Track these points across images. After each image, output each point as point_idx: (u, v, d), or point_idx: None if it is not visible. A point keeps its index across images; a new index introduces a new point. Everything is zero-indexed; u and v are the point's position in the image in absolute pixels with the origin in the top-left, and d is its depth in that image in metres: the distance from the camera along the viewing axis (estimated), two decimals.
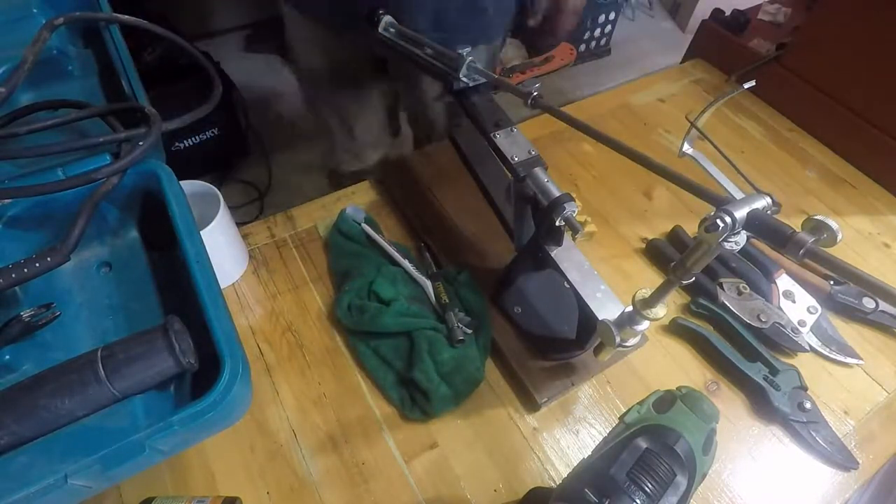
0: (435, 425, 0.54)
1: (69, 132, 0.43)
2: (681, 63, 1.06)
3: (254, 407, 0.54)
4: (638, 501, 0.31)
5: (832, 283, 0.66)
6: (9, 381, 0.35)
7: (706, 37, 1.04)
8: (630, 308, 0.41)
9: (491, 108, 0.56)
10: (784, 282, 0.65)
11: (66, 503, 0.31)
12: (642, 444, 0.33)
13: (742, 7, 1.03)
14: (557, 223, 0.47)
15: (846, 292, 0.65)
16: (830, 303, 0.65)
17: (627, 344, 0.44)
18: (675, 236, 0.70)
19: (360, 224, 0.66)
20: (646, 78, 0.99)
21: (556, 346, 0.58)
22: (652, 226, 0.73)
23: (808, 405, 0.56)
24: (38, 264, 0.34)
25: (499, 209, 0.63)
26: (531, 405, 0.56)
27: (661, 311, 0.40)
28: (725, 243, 0.32)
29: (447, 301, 0.59)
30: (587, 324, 0.49)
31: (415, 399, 0.54)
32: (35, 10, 0.50)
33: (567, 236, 0.51)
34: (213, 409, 0.31)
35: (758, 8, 1.05)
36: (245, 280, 0.64)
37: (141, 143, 0.38)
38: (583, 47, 2.30)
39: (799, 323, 0.62)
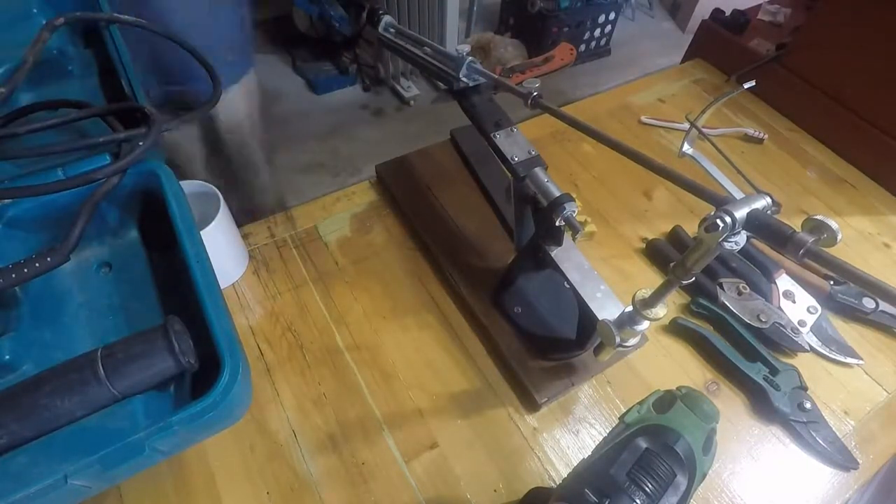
0: (435, 425, 0.54)
1: (69, 132, 0.43)
2: (681, 63, 1.06)
3: (254, 407, 0.54)
4: (638, 501, 0.31)
5: (832, 283, 0.66)
6: (9, 381, 0.34)
7: (706, 37, 1.04)
8: (630, 308, 0.41)
9: (491, 108, 0.56)
10: (784, 282, 0.65)
11: (66, 503, 0.31)
12: (642, 444, 0.33)
13: (742, 7, 1.03)
14: (557, 223, 0.47)
15: (846, 292, 0.65)
16: (830, 303, 0.65)
17: (627, 344, 0.44)
18: (675, 236, 0.70)
19: None
20: (646, 78, 0.99)
21: (556, 346, 0.58)
22: (652, 226, 0.73)
23: (808, 405, 0.56)
24: (38, 264, 0.34)
25: (499, 209, 0.63)
26: (531, 405, 0.56)
27: (661, 311, 0.39)
28: (725, 243, 0.32)
29: None
30: (587, 324, 0.49)
31: None
32: (35, 10, 0.50)
33: (567, 236, 0.51)
34: (213, 410, 0.31)
35: (758, 8, 1.05)
36: (245, 280, 0.64)
37: (141, 143, 0.38)
38: (583, 47, 2.30)
39: (799, 323, 0.62)
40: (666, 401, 0.36)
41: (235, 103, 0.86)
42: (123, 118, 0.43)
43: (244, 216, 0.90)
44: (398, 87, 2.12)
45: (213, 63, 0.46)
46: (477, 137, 0.56)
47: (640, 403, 0.37)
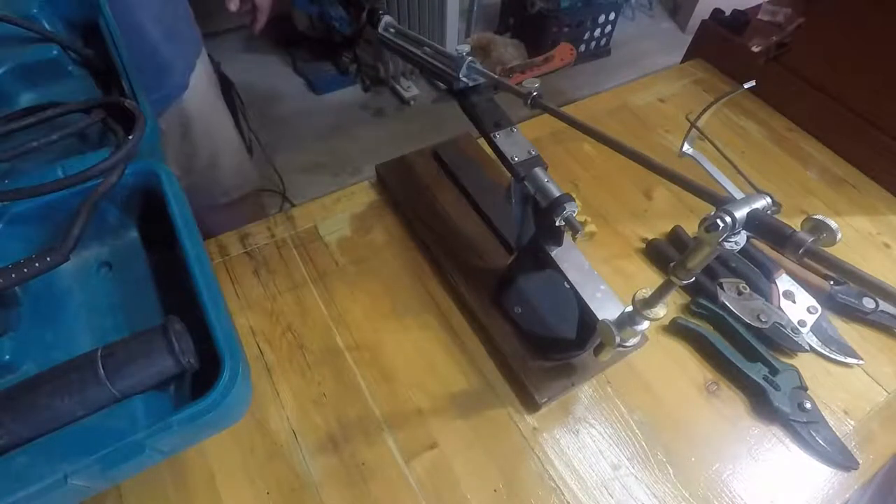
0: (435, 425, 0.54)
1: (68, 132, 0.43)
2: (681, 63, 1.06)
3: (254, 407, 0.54)
4: None
5: (832, 283, 0.66)
6: (9, 381, 0.34)
7: (706, 37, 1.04)
8: (630, 308, 0.41)
9: (491, 108, 0.56)
10: (784, 282, 0.65)
11: (65, 503, 0.31)
12: None
13: (742, 7, 1.03)
14: (557, 223, 0.47)
15: (846, 292, 0.65)
16: (830, 303, 0.65)
17: (627, 344, 0.44)
18: (675, 236, 0.70)
19: None
20: (646, 78, 0.99)
21: (556, 346, 0.58)
22: (652, 226, 0.73)
23: (808, 405, 0.56)
24: (37, 264, 0.34)
25: (489, 219, 0.63)
26: (531, 405, 0.56)
27: (662, 311, 0.39)
28: (725, 243, 0.32)
29: None
30: (587, 324, 0.49)
31: None
32: (35, 10, 0.50)
33: (567, 236, 0.51)
34: (212, 409, 0.31)
35: (758, 8, 1.05)
36: (245, 280, 0.64)
37: (130, 138, 0.38)
38: (583, 47, 2.30)
39: (799, 323, 0.62)
40: None
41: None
42: (123, 118, 0.43)
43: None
44: (398, 87, 2.12)
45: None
46: (459, 150, 0.56)
47: None
